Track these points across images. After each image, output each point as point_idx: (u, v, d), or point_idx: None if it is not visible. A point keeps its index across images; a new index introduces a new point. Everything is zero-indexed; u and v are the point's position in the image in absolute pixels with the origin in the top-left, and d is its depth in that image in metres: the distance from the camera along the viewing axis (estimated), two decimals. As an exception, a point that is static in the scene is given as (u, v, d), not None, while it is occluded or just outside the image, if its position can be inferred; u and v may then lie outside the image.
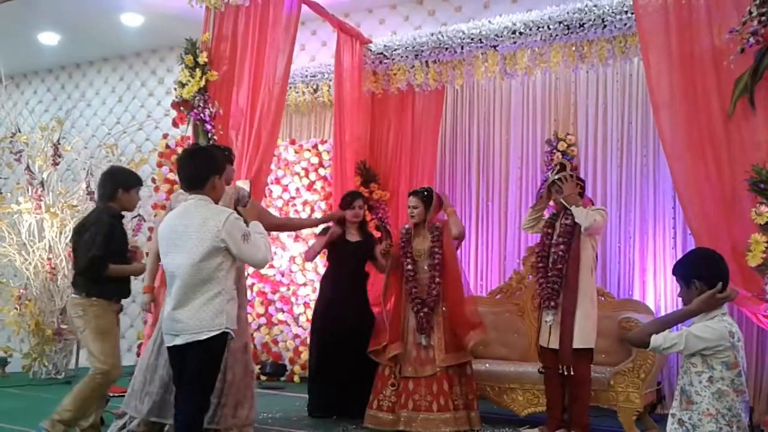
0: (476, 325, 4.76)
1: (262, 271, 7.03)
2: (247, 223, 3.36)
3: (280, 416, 5.18)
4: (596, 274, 5.76)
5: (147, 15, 7.83)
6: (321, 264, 6.35)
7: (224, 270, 3.22)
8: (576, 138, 6.23)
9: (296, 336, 6.98)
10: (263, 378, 6.74)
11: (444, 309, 4.75)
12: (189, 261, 3.16)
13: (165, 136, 7.48)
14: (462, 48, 6.09)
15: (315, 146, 7.23)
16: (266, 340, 7.10)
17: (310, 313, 6.35)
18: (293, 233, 7.11)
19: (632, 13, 5.08)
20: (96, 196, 4.25)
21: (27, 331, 7.00)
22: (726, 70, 4.23)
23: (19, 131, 7.37)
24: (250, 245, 3.24)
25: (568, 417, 4.51)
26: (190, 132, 5.43)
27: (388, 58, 6.50)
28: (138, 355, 5.63)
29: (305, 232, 6.81)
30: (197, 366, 3.20)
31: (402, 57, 6.40)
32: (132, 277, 4.29)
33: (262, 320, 7.18)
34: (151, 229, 6.88)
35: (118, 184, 4.16)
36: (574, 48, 5.71)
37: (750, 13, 4.10)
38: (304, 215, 7.11)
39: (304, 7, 5.79)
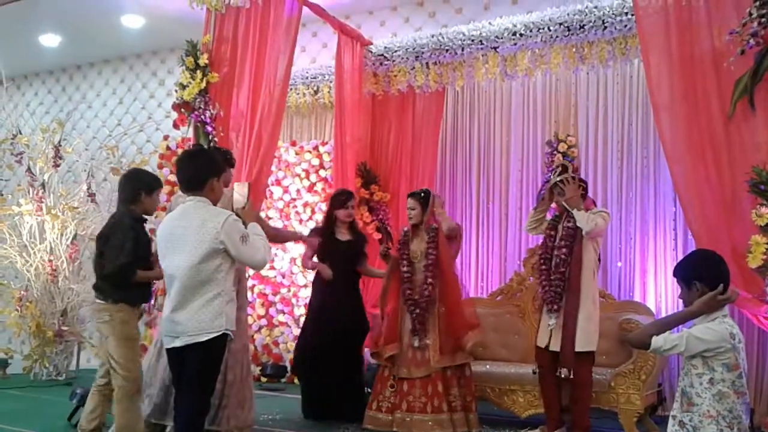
0: (473, 326, 4.76)
1: (263, 273, 7.04)
2: (245, 224, 3.37)
3: (280, 418, 5.19)
4: (597, 275, 5.79)
5: (148, 17, 7.84)
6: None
7: (223, 272, 3.22)
8: (576, 139, 6.23)
9: (297, 338, 6.96)
10: (264, 380, 6.74)
11: (441, 310, 4.75)
12: (188, 263, 3.16)
13: (166, 137, 7.49)
14: (462, 49, 6.09)
15: (316, 148, 7.24)
16: (267, 341, 7.10)
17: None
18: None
19: (632, 15, 5.08)
20: (117, 199, 4.07)
21: (28, 333, 7.01)
22: (726, 72, 4.22)
23: (20, 133, 7.38)
24: (248, 247, 3.24)
25: (568, 419, 4.51)
26: (190, 134, 5.43)
27: (388, 60, 6.50)
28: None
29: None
30: (197, 368, 3.20)
31: (402, 58, 6.40)
32: None
33: (263, 322, 7.18)
34: (152, 231, 6.88)
35: (142, 187, 4.01)
36: (574, 49, 5.71)
37: (750, 14, 4.09)
38: (304, 217, 7.13)
39: (305, 9, 5.79)
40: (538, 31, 5.71)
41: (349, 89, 6.43)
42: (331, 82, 6.98)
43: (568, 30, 5.61)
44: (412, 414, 4.56)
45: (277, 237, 6.07)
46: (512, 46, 5.88)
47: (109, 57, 9.45)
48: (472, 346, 4.70)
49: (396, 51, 6.43)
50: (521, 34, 5.78)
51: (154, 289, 4.77)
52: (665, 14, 4.50)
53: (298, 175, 7.21)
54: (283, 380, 6.91)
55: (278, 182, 7.22)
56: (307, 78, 7.33)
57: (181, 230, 3.23)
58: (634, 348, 4.39)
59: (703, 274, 2.81)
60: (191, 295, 3.17)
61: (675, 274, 2.93)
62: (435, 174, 6.79)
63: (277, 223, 7.26)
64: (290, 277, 7.14)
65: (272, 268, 7.17)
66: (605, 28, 5.48)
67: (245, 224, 3.36)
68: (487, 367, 5.13)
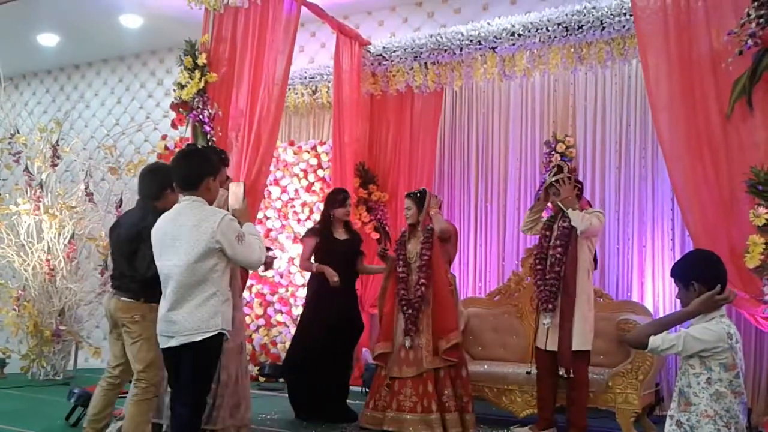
0: (450, 330, 4.65)
1: (261, 273, 7.03)
2: (241, 224, 3.37)
3: (278, 417, 5.19)
4: (595, 275, 5.80)
5: (146, 16, 7.83)
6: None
7: (219, 271, 3.22)
8: (574, 139, 6.24)
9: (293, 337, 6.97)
10: (262, 379, 6.73)
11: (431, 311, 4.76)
12: (184, 262, 3.16)
13: (164, 137, 7.47)
14: (461, 50, 6.10)
15: (314, 147, 7.24)
16: (265, 341, 7.10)
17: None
18: (292, 235, 7.12)
19: (631, 15, 5.08)
20: (140, 193, 3.89)
21: (25, 332, 6.99)
22: (724, 72, 4.23)
23: (18, 132, 7.36)
24: (244, 246, 3.24)
25: (566, 418, 4.52)
26: (189, 133, 5.42)
27: (387, 60, 6.51)
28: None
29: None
30: (192, 367, 3.20)
31: (401, 58, 6.41)
32: None
33: (261, 321, 7.17)
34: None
35: (167, 183, 3.78)
36: (572, 50, 5.72)
37: (748, 15, 4.10)
38: (302, 216, 7.13)
39: (303, 9, 5.80)
40: (536, 31, 5.71)
41: (347, 89, 6.43)
42: (329, 82, 6.98)
43: (567, 30, 5.61)
44: (403, 413, 4.56)
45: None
46: (511, 47, 5.88)
47: (107, 56, 9.44)
48: (445, 351, 4.60)
49: (394, 51, 6.43)
50: (519, 35, 5.79)
51: None
52: (664, 15, 4.51)
53: (297, 175, 7.20)
54: (282, 380, 6.90)
55: (276, 182, 7.22)
56: (305, 78, 7.32)
57: (176, 230, 3.22)
58: (631, 348, 4.39)
59: (700, 275, 2.81)
60: (187, 294, 3.17)
61: (672, 275, 2.94)
62: (433, 174, 6.80)
63: (275, 223, 7.26)
64: (288, 276, 7.13)
65: (270, 268, 7.15)
66: (603, 28, 5.48)
67: (241, 224, 3.36)
68: (485, 366, 5.14)
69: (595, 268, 4.86)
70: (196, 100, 5.27)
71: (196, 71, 5.30)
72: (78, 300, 7.15)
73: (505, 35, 5.85)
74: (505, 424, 4.93)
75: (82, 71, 9.77)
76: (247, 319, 7.03)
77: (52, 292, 7.05)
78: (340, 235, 5.20)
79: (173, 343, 3.19)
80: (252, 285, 7.10)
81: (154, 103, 9.10)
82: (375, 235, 6.59)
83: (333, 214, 5.19)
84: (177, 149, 6.79)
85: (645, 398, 4.68)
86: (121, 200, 7.27)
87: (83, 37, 8.60)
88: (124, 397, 4.29)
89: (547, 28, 5.67)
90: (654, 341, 2.72)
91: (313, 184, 7.16)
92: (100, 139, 8.76)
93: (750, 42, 4.08)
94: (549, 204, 4.79)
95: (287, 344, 6.93)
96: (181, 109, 5.36)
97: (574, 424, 4.42)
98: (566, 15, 5.61)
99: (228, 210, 3.47)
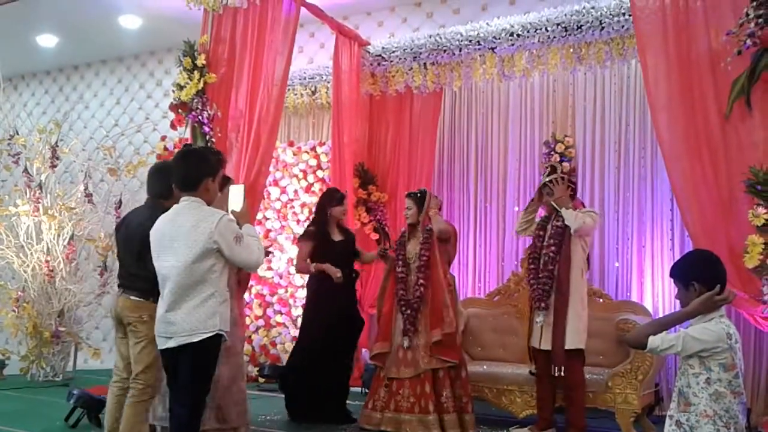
0: (435, 326, 4.63)
1: (261, 274, 7.04)
2: (240, 226, 3.36)
3: (278, 418, 5.18)
4: (594, 275, 5.80)
5: (145, 17, 7.83)
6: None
7: (217, 272, 3.21)
8: (574, 140, 6.24)
9: (294, 338, 6.96)
10: (261, 380, 6.73)
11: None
12: (182, 262, 3.15)
13: (163, 138, 7.48)
14: (460, 50, 6.10)
15: (313, 148, 7.24)
16: (264, 342, 7.09)
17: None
18: (291, 235, 7.12)
19: (630, 15, 5.08)
20: (148, 192, 3.82)
21: (25, 334, 6.99)
22: (723, 72, 4.23)
23: (17, 133, 7.36)
24: (242, 248, 3.24)
25: (565, 419, 4.52)
26: (188, 134, 5.42)
27: (386, 60, 6.51)
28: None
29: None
30: (191, 368, 3.20)
31: (400, 59, 6.41)
32: None
33: (260, 322, 7.17)
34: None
35: None
36: (571, 50, 5.72)
37: (747, 15, 4.10)
38: (302, 217, 7.12)
39: (303, 10, 5.80)
40: (535, 31, 5.71)
41: (346, 90, 6.43)
42: (328, 82, 6.98)
43: (566, 31, 5.62)
44: (400, 414, 4.57)
45: None
46: (510, 47, 5.88)
47: (106, 57, 9.44)
48: (441, 351, 4.59)
49: (394, 51, 6.43)
50: (519, 35, 5.79)
51: None
52: (662, 15, 4.52)
53: (296, 176, 7.20)
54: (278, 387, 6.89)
55: (276, 183, 7.22)
56: (304, 78, 7.32)
57: (174, 230, 3.22)
58: (631, 348, 4.39)
59: (700, 275, 2.80)
60: (185, 295, 3.17)
61: (672, 275, 2.93)
62: (432, 174, 6.80)
63: (274, 223, 7.26)
64: (288, 277, 7.13)
65: (269, 268, 7.16)
66: (602, 28, 5.49)
67: (240, 226, 3.36)
68: (485, 367, 5.14)
69: (588, 269, 4.86)
70: (195, 100, 5.26)
71: (195, 72, 5.29)
72: (77, 301, 7.15)
73: (504, 35, 5.85)
74: (505, 424, 4.92)
75: (81, 72, 9.77)
76: (247, 320, 7.02)
77: (51, 294, 7.05)
78: (336, 236, 5.18)
79: (171, 344, 3.19)
80: (251, 286, 7.09)
81: (153, 103, 9.10)
82: (374, 236, 6.59)
83: (330, 213, 5.16)
84: (176, 150, 6.81)
85: (644, 398, 4.68)
86: (120, 201, 7.25)
87: (82, 38, 8.60)
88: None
89: (546, 29, 5.67)
90: (653, 341, 2.71)
91: (312, 184, 7.16)
92: (99, 140, 8.76)
93: (749, 42, 4.08)
94: (543, 204, 4.79)
95: (287, 345, 6.95)
96: (180, 110, 5.36)
97: (573, 424, 4.42)
98: (565, 15, 5.62)
99: (227, 211, 3.46)
